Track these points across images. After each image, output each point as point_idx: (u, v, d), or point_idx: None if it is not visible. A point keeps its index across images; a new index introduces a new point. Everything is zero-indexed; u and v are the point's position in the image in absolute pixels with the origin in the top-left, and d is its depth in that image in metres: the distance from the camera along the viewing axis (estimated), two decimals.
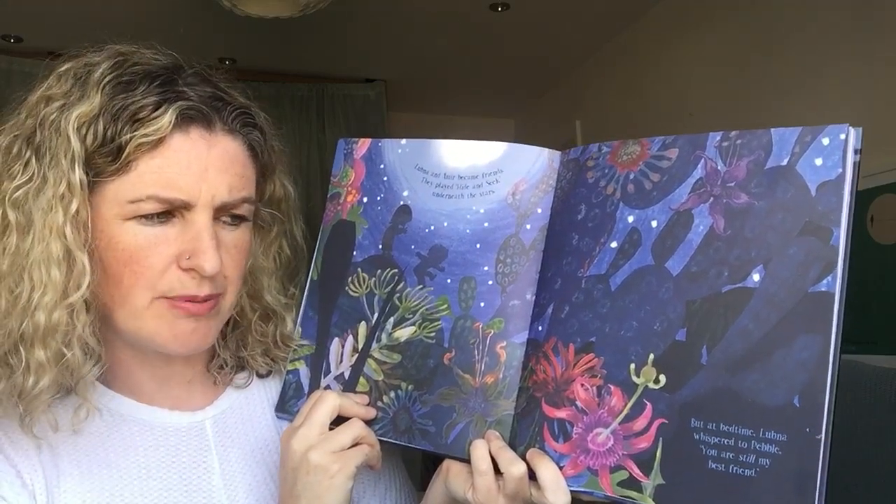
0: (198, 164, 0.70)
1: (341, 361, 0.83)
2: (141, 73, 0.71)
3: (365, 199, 0.85)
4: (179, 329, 0.73)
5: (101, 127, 0.68)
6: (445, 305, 0.79)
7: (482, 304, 0.77)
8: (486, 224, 0.79)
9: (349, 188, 0.87)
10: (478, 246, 0.79)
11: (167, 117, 0.69)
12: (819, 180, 0.63)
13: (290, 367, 0.85)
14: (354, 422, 0.75)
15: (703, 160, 0.69)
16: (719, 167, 0.68)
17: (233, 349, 0.84)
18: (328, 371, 0.83)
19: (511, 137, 4.13)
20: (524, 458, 0.70)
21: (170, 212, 0.70)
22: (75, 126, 0.68)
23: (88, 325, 0.70)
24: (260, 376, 0.86)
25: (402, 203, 0.83)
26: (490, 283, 0.77)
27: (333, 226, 0.87)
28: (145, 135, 0.68)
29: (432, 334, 0.79)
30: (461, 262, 0.79)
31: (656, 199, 0.71)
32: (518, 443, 0.73)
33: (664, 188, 0.71)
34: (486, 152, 0.81)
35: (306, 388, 0.83)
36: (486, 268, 0.78)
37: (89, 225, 0.69)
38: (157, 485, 0.75)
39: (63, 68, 0.73)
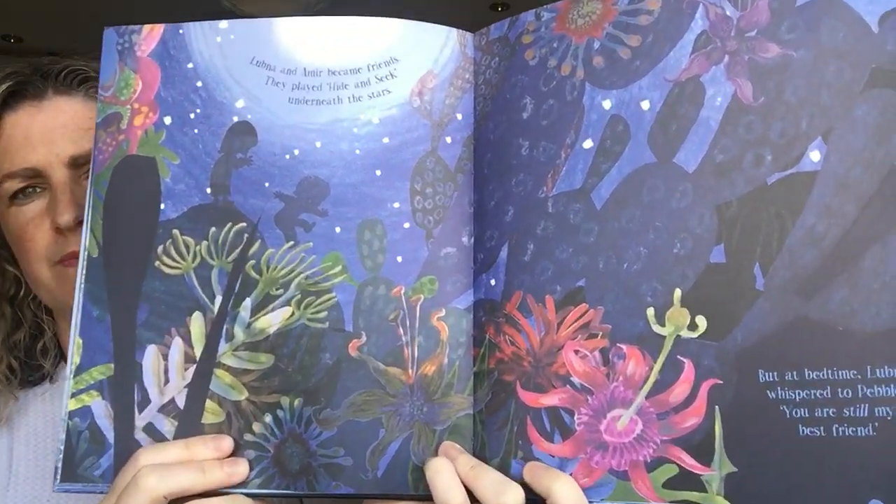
0: (34, 130, 0.70)
1: (167, 382, 0.50)
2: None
3: (167, 120, 0.54)
4: None
5: None
6: (339, 267, 0.50)
7: (399, 259, 0.50)
8: (385, 140, 0.52)
9: (135, 104, 0.55)
10: (378, 173, 0.51)
11: None
12: (881, 10, 0.45)
13: (72, 407, 0.51)
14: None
15: (700, 6, 0.49)
16: (728, 12, 0.48)
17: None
18: (146, 401, 0.50)
19: None
20: (512, 477, 0.45)
21: (38, 186, 0.70)
22: None
23: None
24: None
25: (236, 119, 0.53)
26: (407, 225, 0.51)
27: (115, 167, 0.54)
28: None
29: (322, 314, 0.50)
30: (355, 199, 0.51)
31: (642, 70, 0.49)
32: (490, 455, 0.47)
33: (650, 54, 0.49)
34: (370, 34, 0.54)
35: (111, 437, 0.50)
36: (395, 204, 0.51)
37: None
38: None
39: None
